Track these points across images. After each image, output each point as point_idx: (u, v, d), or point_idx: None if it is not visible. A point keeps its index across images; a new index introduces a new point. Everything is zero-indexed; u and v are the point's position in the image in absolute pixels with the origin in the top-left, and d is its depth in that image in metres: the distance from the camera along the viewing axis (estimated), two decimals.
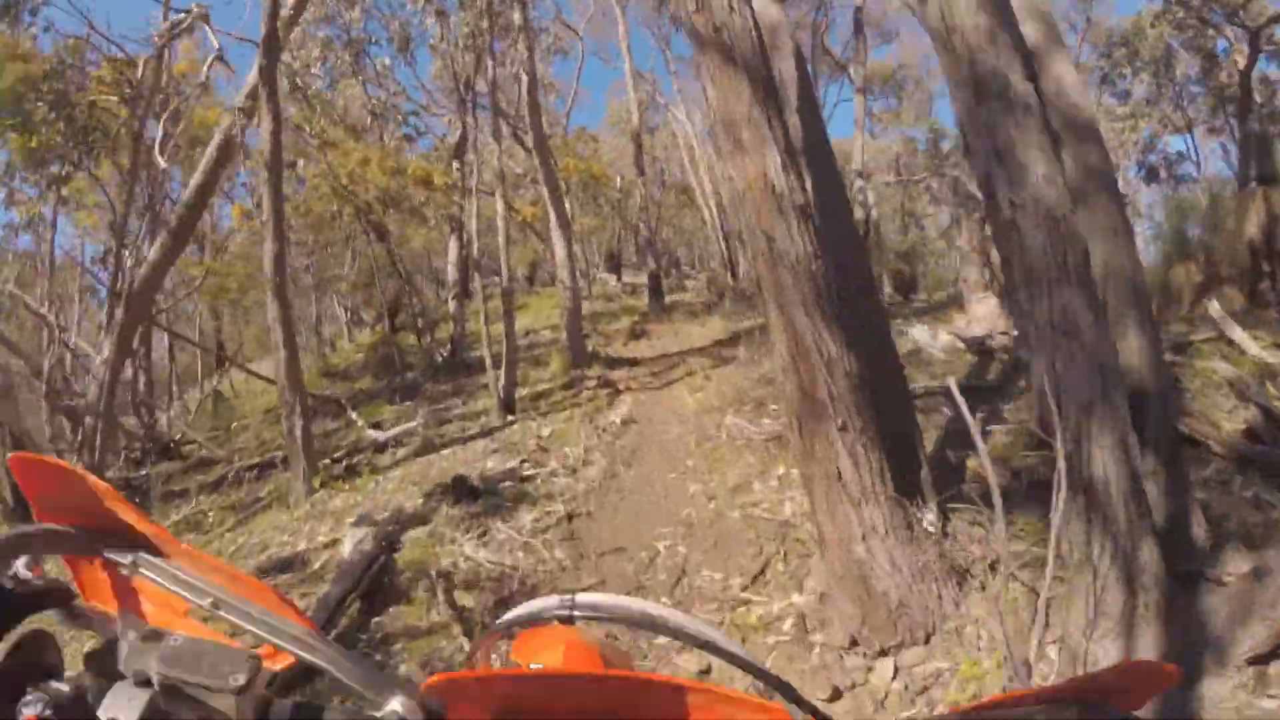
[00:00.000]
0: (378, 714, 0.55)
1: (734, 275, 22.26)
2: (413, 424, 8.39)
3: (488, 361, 8.40)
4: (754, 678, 0.66)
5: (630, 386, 9.13)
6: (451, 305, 15.98)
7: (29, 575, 0.60)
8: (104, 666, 0.57)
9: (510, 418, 8.26)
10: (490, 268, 34.96)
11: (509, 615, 0.74)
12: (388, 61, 17.97)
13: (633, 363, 11.08)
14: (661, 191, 27.34)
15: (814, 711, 0.61)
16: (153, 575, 0.63)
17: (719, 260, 23.00)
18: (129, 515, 0.63)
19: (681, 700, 0.55)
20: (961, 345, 7.77)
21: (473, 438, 7.96)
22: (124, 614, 0.64)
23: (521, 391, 9.44)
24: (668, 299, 18.91)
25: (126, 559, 0.63)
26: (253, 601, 0.62)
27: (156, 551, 0.64)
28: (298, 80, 15.05)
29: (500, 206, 9.21)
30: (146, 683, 0.53)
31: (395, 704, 0.55)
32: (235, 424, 15.22)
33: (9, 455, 0.65)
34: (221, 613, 0.61)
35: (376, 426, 9.74)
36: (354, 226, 15.98)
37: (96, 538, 0.64)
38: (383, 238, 15.85)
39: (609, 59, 31.09)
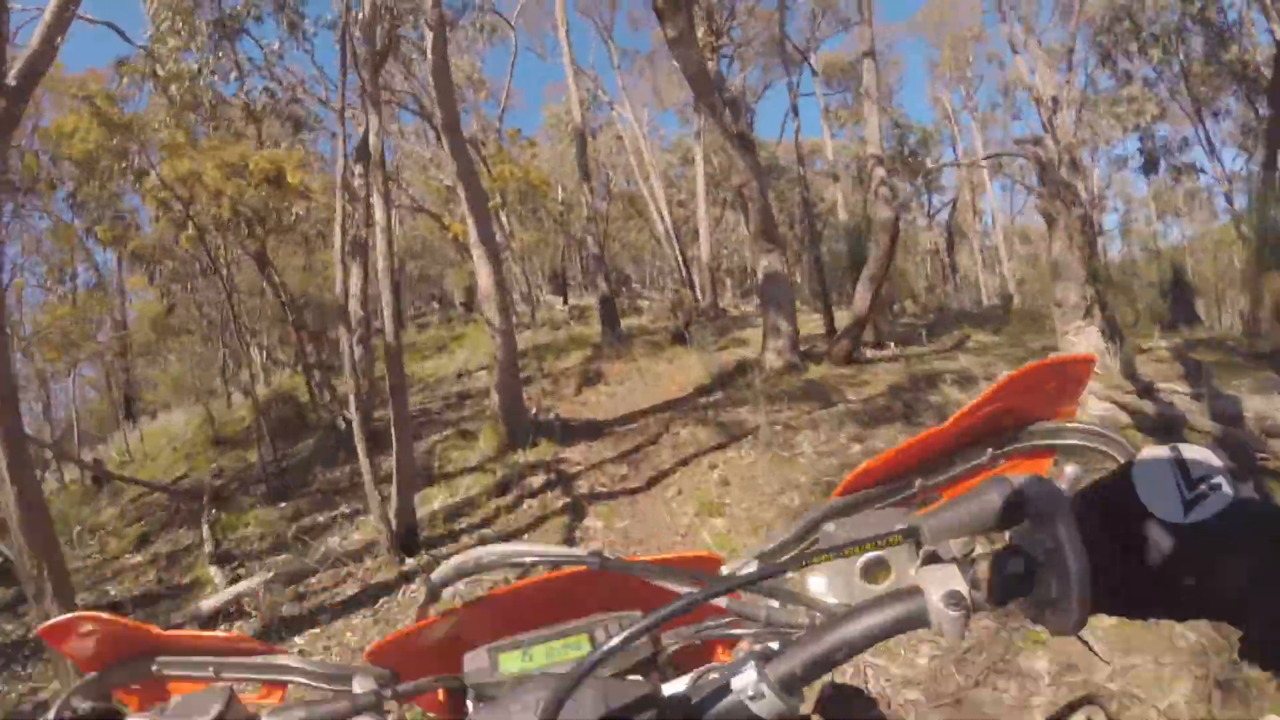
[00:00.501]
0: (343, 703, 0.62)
1: (697, 296, 19.39)
2: (252, 582, 5.17)
3: (366, 478, 5.23)
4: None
5: (599, 489, 6.06)
6: (357, 352, 12.70)
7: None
8: None
9: (408, 563, 5.12)
10: (429, 293, 31.34)
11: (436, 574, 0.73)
12: (277, 45, 14.57)
13: (594, 430, 8.02)
14: (608, 202, 24.30)
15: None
16: (171, 672, 0.74)
17: (676, 278, 19.97)
18: (143, 631, 0.73)
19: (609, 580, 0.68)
20: (1124, 417, 4.94)
21: (345, 606, 4.81)
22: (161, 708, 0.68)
23: (434, 502, 6.30)
24: (623, 325, 15.93)
25: (152, 668, 0.74)
26: (244, 654, 0.74)
27: (172, 649, 0.74)
28: (157, 69, 11.58)
29: (379, 212, 6.00)
30: None
31: (356, 682, 0.68)
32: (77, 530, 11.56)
33: (39, 628, 0.74)
34: (223, 675, 0.73)
35: (222, 562, 6.49)
36: (233, 250, 12.63)
37: (125, 666, 0.74)
38: (262, 265, 12.44)
39: (544, 53, 27.96)
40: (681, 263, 19.23)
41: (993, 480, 0.55)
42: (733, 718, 0.52)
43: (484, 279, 8.24)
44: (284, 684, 0.72)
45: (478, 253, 8.15)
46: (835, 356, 9.04)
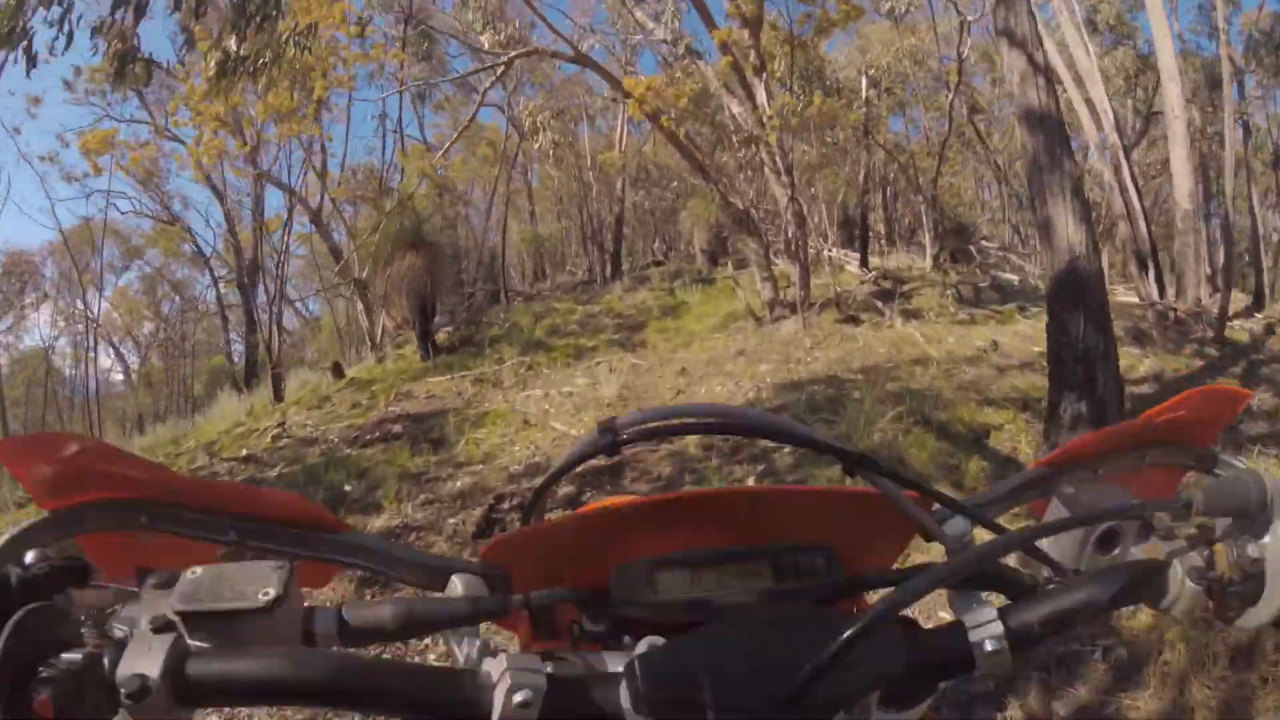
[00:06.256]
0: (440, 594, 0.54)
1: (1160, 281, 10.07)
2: None
3: None
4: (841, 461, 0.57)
5: None
6: None
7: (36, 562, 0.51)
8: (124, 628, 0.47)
9: None
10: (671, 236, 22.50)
11: (556, 465, 0.62)
12: None
13: None
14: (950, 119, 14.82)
15: (915, 486, 0.57)
16: (167, 526, 0.56)
17: (1128, 240, 10.41)
18: (132, 467, 0.55)
19: (757, 502, 0.58)
20: None
21: None
22: (142, 570, 0.52)
23: None
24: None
25: (140, 518, 0.56)
26: (284, 521, 0.57)
27: (168, 498, 0.56)
28: None
29: None
30: (167, 626, 0.45)
31: (456, 581, 0.55)
32: None
33: None
34: (248, 543, 0.56)
35: None
36: None
37: (104, 508, 0.55)
38: None
39: None
40: (1139, 205, 10.00)
41: (1248, 472, 0.56)
42: (958, 655, 0.50)
43: None
44: (338, 567, 0.58)
45: None
46: None
